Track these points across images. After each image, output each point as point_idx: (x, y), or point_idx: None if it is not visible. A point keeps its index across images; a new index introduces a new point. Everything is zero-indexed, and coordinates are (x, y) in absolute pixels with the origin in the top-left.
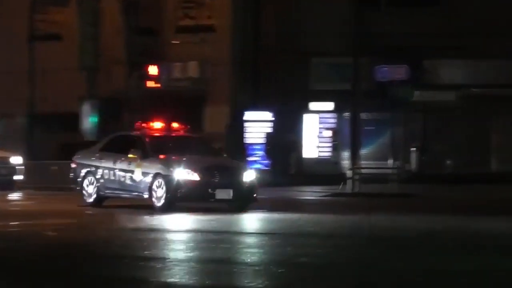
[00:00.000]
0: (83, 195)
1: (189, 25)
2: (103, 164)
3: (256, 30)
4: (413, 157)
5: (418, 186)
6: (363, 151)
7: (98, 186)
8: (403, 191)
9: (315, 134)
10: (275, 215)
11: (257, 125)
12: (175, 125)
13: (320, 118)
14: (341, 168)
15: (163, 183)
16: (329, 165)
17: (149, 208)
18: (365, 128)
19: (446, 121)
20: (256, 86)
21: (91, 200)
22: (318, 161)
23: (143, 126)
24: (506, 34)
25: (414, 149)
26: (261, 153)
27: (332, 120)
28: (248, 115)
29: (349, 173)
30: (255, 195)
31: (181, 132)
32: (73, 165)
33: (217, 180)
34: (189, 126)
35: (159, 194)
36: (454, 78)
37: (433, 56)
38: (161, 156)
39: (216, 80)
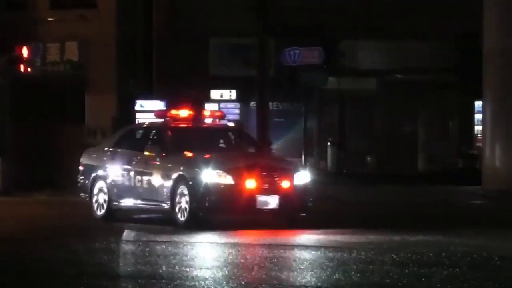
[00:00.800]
0: (93, 206)
1: None
2: (116, 165)
3: (147, 6)
4: (329, 153)
5: (334, 187)
6: (272, 146)
7: (109, 195)
8: (316, 192)
9: None
10: (348, 236)
11: (150, 116)
12: (207, 113)
13: (221, 108)
14: None
15: (186, 189)
16: None
17: (171, 223)
18: (274, 119)
19: (366, 112)
20: (148, 71)
21: (101, 213)
22: None
23: (165, 115)
24: (433, 13)
25: (330, 144)
26: None
27: (236, 111)
28: (139, 105)
29: None
30: (309, 203)
31: (215, 123)
32: (80, 168)
33: (257, 184)
34: (223, 113)
35: (183, 204)
36: (375, 63)
37: (351, 38)
38: (186, 153)
39: (100, 64)
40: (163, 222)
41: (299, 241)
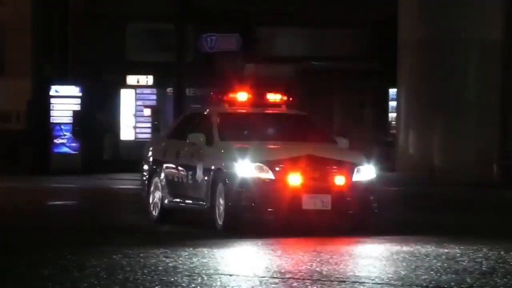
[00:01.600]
0: (149, 205)
1: None
2: (167, 158)
3: None
4: None
5: None
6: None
7: (162, 193)
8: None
9: (132, 113)
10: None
11: (65, 102)
12: (271, 96)
13: (138, 94)
14: None
15: (222, 185)
16: None
17: (211, 227)
18: (192, 106)
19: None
20: (64, 56)
21: (155, 214)
22: (137, 144)
23: (220, 99)
24: (351, 1)
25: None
26: (68, 134)
27: (153, 97)
28: (54, 89)
29: None
30: (374, 205)
31: (277, 108)
32: (142, 161)
33: (304, 180)
34: (292, 98)
35: (221, 203)
36: (294, 50)
37: (270, 24)
38: (232, 143)
39: (15, 48)
40: (204, 225)
41: (364, 251)
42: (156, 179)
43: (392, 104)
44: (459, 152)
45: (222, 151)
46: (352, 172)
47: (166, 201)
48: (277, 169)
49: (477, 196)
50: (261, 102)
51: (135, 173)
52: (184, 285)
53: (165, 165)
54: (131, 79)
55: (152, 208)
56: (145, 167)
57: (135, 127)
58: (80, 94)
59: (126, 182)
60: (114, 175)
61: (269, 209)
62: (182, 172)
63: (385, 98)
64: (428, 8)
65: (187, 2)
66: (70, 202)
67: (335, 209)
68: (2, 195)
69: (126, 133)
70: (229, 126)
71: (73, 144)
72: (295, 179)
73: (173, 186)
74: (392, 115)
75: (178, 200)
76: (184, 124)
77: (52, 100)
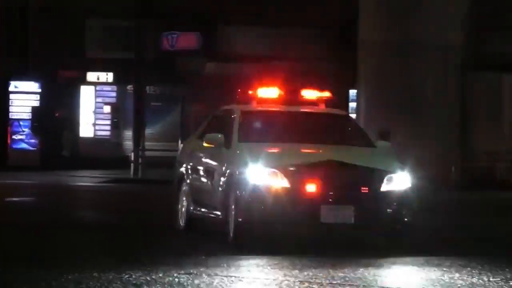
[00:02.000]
0: (178, 213)
1: None
2: (192, 161)
3: None
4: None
5: None
6: (149, 131)
7: (187, 200)
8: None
9: (92, 109)
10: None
11: (24, 98)
12: (306, 93)
13: (97, 91)
14: (124, 150)
15: (233, 193)
16: (109, 146)
17: (223, 240)
18: (152, 104)
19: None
20: (23, 52)
21: (182, 224)
22: (96, 141)
23: (248, 96)
24: (313, 1)
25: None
26: (27, 130)
27: (112, 94)
28: (13, 85)
29: (132, 156)
30: (406, 219)
31: (313, 107)
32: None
33: (322, 189)
34: (331, 96)
35: (234, 213)
36: (255, 49)
37: (231, 23)
38: (251, 145)
39: None
40: (218, 239)
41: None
42: (183, 184)
43: (352, 105)
44: (419, 153)
45: (238, 152)
46: (382, 181)
47: (191, 209)
48: (293, 176)
49: (436, 197)
50: (295, 100)
51: (94, 170)
52: None
53: (190, 169)
54: (91, 76)
55: (180, 216)
56: (175, 171)
57: (94, 124)
58: (40, 90)
59: (85, 179)
60: (73, 172)
61: (282, 221)
62: (202, 178)
63: (346, 99)
64: (389, 11)
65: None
66: (28, 199)
67: (359, 222)
68: None
69: (86, 130)
70: (252, 126)
71: (32, 140)
72: (311, 188)
73: (195, 193)
74: (352, 116)
75: (199, 208)
76: (212, 123)
77: (11, 96)
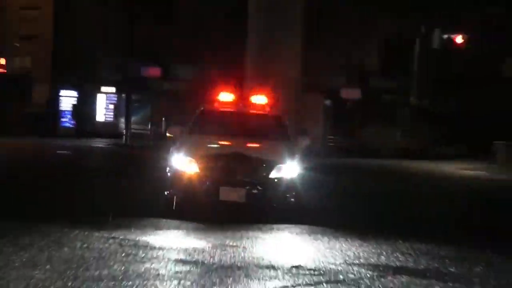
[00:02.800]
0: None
1: None
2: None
3: None
4: (162, 124)
5: (163, 142)
6: (133, 119)
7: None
8: (153, 144)
9: (104, 106)
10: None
11: (67, 99)
12: (254, 98)
13: (107, 97)
14: (120, 129)
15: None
16: (112, 126)
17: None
18: (135, 104)
19: (175, 101)
20: (66, 72)
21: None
22: (105, 124)
23: (212, 99)
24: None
25: (164, 118)
26: (69, 117)
27: (114, 99)
28: (62, 92)
29: (124, 132)
30: (291, 200)
31: (258, 109)
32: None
33: (222, 174)
34: (277, 102)
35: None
36: (185, 74)
37: (174, 60)
38: (195, 137)
39: None
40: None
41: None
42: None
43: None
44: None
45: (178, 143)
46: (272, 169)
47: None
48: (202, 163)
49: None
50: (246, 103)
51: (103, 139)
52: None
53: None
54: (103, 89)
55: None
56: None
57: (104, 115)
58: (76, 95)
59: (98, 143)
60: (92, 139)
61: (191, 199)
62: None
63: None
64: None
65: (132, 43)
66: (68, 152)
67: (249, 202)
68: None
69: (100, 117)
70: (204, 121)
71: (72, 122)
72: (215, 173)
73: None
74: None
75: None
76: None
77: (61, 98)
